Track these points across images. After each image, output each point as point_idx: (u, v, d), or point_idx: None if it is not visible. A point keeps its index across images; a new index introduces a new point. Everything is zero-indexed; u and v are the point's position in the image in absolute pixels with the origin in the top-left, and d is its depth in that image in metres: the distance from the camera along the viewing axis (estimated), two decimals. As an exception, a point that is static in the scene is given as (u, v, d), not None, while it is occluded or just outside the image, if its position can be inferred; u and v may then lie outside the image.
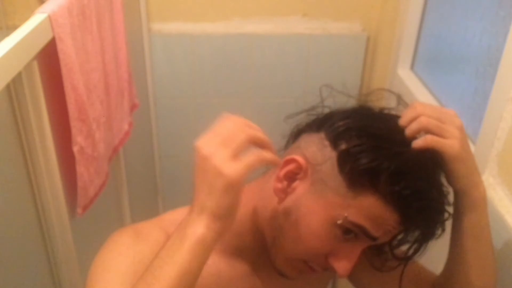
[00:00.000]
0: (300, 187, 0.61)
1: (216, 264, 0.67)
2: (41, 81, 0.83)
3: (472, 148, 0.98)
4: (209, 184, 0.52)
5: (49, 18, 0.81)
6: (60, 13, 0.84)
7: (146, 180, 1.80)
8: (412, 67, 1.49)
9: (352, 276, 0.79)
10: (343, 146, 0.58)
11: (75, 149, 0.95)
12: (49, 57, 0.84)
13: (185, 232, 0.52)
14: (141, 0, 1.50)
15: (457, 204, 0.64)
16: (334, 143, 0.59)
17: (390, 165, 0.55)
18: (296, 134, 0.68)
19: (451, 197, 0.65)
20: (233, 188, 0.51)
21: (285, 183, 0.62)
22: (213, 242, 0.52)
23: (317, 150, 0.61)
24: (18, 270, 0.88)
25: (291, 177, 0.62)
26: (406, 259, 0.64)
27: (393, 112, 0.67)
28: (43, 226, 0.93)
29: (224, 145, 0.53)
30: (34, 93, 0.82)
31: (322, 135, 0.61)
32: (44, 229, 0.94)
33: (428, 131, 0.58)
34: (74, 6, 0.90)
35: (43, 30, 0.80)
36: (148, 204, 1.84)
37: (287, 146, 0.68)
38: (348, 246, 0.60)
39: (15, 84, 0.80)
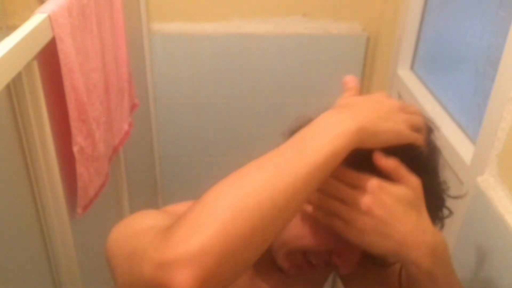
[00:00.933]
0: None
1: None
2: (41, 81, 0.83)
3: (472, 148, 0.98)
4: (389, 117, 0.54)
5: (49, 18, 0.81)
6: (60, 13, 0.84)
7: (146, 180, 1.80)
8: (412, 67, 1.49)
9: (345, 281, 0.79)
10: None
11: (75, 149, 0.95)
12: (49, 57, 0.84)
13: (344, 120, 0.51)
14: (141, 0, 1.50)
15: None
16: None
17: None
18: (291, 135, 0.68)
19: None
20: (395, 136, 0.54)
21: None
22: (347, 148, 0.50)
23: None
24: (18, 270, 0.88)
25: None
26: None
27: None
28: (43, 226, 0.93)
29: (397, 104, 0.57)
30: (34, 93, 0.82)
31: None
32: (44, 229, 0.93)
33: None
34: (74, 6, 0.90)
35: (43, 30, 0.80)
36: (148, 204, 1.84)
37: None
38: (352, 244, 0.59)
39: (15, 84, 0.80)
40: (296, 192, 0.46)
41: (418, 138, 0.56)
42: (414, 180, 0.54)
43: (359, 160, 0.53)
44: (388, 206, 0.52)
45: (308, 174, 0.47)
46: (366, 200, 0.52)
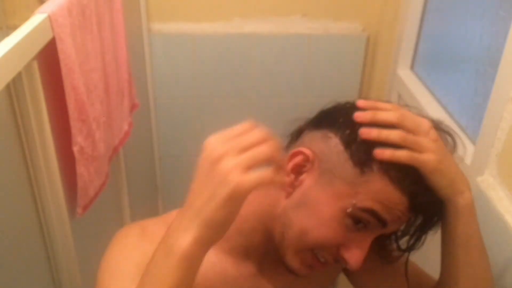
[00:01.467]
0: (308, 180, 0.61)
1: (223, 263, 0.67)
2: (41, 81, 0.83)
3: (472, 148, 0.98)
4: (211, 190, 0.48)
5: (49, 18, 0.81)
6: (60, 13, 0.84)
7: (146, 180, 1.80)
8: (412, 67, 1.49)
9: (353, 276, 0.79)
10: (347, 131, 0.59)
11: (75, 149, 0.95)
12: (49, 57, 0.84)
13: (172, 244, 0.49)
14: (141, 0, 1.50)
15: (443, 213, 0.64)
16: (338, 131, 0.60)
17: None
18: (298, 133, 0.68)
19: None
20: (236, 200, 0.48)
21: (292, 176, 0.62)
22: (201, 254, 0.49)
23: (322, 142, 0.61)
24: (18, 270, 0.88)
25: (298, 170, 0.62)
26: (409, 249, 0.66)
27: None
28: (43, 226, 0.93)
29: (239, 152, 0.48)
30: (34, 93, 0.82)
31: (324, 129, 0.62)
32: (44, 229, 0.93)
33: (404, 146, 0.57)
34: (74, 6, 0.90)
35: (43, 30, 0.80)
36: (148, 204, 1.84)
37: (288, 146, 0.68)
38: (358, 236, 0.60)
39: (15, 84, 0.80)
40: None
41: (252, 181, 0.47)
42: (427, 144, 0.59)
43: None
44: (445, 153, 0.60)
45: None
46: (433, 132, 0.59)
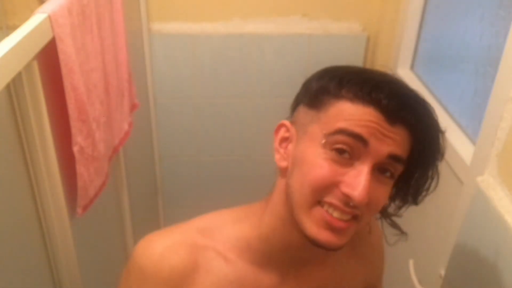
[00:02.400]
0: (292, 145, 0.66)
1: (238, 271, 0.67)
2: (41, 81, 0.83)
3: (472, 148, 0.98)
4: None
5: (49, 18, 0.81)
6: (60, 13, 0.84)
7: (146, 180, 1.80)
8: (412, 67, 1.49)
9: None
10: (304, 91, 0.67)
11: (75, 149, 0.94)
12: (49, 57, 0.84)
13: None
14: (141, 0, 1.50)
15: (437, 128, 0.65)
16: (299, 99, 0.67)
17: (347, 75, 0.62)
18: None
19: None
20: None
21: (281, 150, 0.66)
22: None
23: (296, 112, 0.68)
24: (18, 270, 0.88)
25: (285, 143, 0.67)
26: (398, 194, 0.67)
27: None
28: (43, 226, 0.93)
29: None
30: (34, 93, 0.82)
31: (302, 104, 0.67)
32: (44, 229, 0.93)
33: None
34: (74, 6, 0.90)
35: (43, 30, 0.80)
36: (148, 204, 1.84)
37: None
38: (353, 170, 0.59)
39: (15, 84, 0.80)
40: None
41: None
42: None
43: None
44: None
45: None
46: None
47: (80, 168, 0.97)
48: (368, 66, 1.65)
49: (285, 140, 0.67)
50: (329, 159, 0.59)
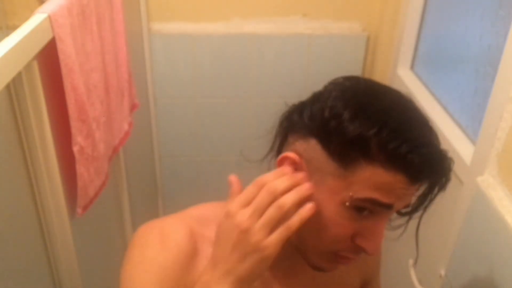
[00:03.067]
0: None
1: None
2: (41, 81, 0.83)
3: (472, 148, 0.98)
4: (243, 253, 0.55)
5: (49, 18, 0.81)
6: (60, 13, 0.84)
7: (146, 180, 1.80)
8: (412, 67, 1.49)
9: None
10: (319, 126, 0.58)
11: (75, 149, 0.94)
12: (49, 57, 0.84)
13: None
14: (141, 0, 1.50)
15: (450, 169, 0.62)
16: (310, 129, 0.59)
17: (377, 130, 0.53)
18: (284, 134, 0.67)
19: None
20: (268, 260, 0.55)
21: None
22: None
23: (304, 142, 0.60)
24: (18, 270, 0.88)
25: None
26: (415, 209, 0.63)
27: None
28: (43, 226, 0.93)
29: (258, 216, 0.55)
30: (34, 93, 0.82)
31: (301, 128, 0.61)
32: (44, 229, 0.93)
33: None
34: (74, 6, 0.90)
35: (43, 30, 0.80)
36: (148, 204, 1.84)
37: (279, 148, 0.67)
38: (369, 223, 0.59)
39: (15, 84, 0.80)
40: None
41: (278, 240, 0.55)
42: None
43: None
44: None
45: None
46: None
47: (80, 168, 0.97)
48: (368, 66, 1.65)
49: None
50: (350, 217, 0.58)
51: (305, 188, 0.57)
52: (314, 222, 0.59)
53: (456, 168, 1.04)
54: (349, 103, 0.56)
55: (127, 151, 1.40)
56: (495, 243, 0.79)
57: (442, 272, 0.98)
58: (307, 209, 0.56)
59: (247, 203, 0.56)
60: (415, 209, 0.62)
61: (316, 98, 0.62)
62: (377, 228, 0.59)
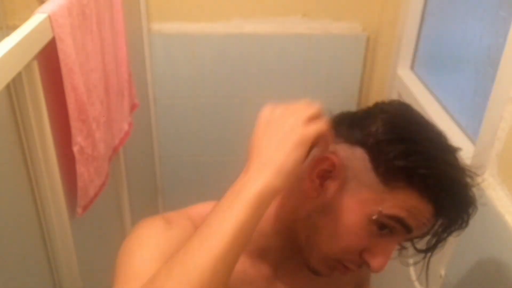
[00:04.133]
0: (333, 186, 0.61)
1: (242, 262, 0.66)
2: (41, 81, 0.83)
3: (472, 148, 0.98)
4: (279, 140, 0.54)
5: (49, 18, 0.81)
6: (60, 13, 0.84)
7: (146, 180, 1.80)
8: (412, 67, 1.49)
9: None
10: (372, 142, 0.59)
11: (75, 149, 0.95)
12: (49, 57, 0.84)
13: (240, 190, 0.52)
14: (141, 0, 1.50)
15: (469, 216, 0.63)
16: (363, 140, 0.60)
17: (425, 169, 0.56)
18: None
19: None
20: (305, 144, 0.54)
21: (317, 181, 0.61)
22: (271, 198, 0.52)
23: (347, 149, 0.61)
24: (18, 270, 0.88)
25: (323, 176, 0.62)
26: (430, 249, 0.65)
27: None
28: (43, 226, 0.93)
29: (300, 111, 0.57)
30: (34, 93, 0.82)
31: (349, 135, 0.62)
32: (44, 229, 0.93)
33: None
34: (74, 6, 0.90)
35: (43, 30, 0.80)
36: (148, 204, 1.84)
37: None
38: (383, 242, 0.60)
39: (15, 84, 0.80)
40: (206, 284, 0.48)
41: (317, 128, 0.56)
42: None
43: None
44: None
45: (212, 266, 0.48)
46: None
47: (80, 168, 0.97)
48: (368, 66, 1.65)
49: (325, 173, 0.61)
50: (369, 231, 0.59)
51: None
52: (330, 228, 0.61)
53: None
54: (402, 135, 0.59)
55: (127, 151, 1.40)
56: (495, 243, 0.79)
57: (442, 272, 0.98)
58: None
59: None
60: (432, 246, 0.64)
61: (368, 114, 0.63)
62: (388, 248, 0.60)
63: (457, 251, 0.93)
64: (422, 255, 0.67)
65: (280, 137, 0.55)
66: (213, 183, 1.92)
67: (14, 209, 0.86)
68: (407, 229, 0.59)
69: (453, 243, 0.94)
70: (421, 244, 0.66)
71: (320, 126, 0.55)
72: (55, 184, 0.91)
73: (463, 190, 0.59)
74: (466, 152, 1.00)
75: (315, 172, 0.61)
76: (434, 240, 0.64)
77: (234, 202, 0.51)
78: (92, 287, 1.14)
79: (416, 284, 1.11)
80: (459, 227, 0.62)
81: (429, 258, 0.67)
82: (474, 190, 0.62)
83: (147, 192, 1.82)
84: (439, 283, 0.99)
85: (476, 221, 0.86)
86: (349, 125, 0.63)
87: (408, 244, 0.67)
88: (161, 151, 1.79)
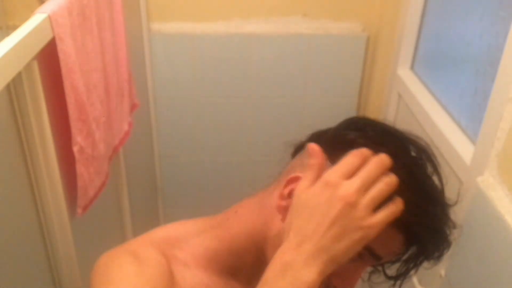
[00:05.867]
0: None
1: (215, 283, 0.64)
2: (41, 81, 0.83)
3: (472, 148, 0.98)
4: (343, 231, 0.50)
5: (49, 18, 0.81)
6: (60, 13, 0.84)
7: (146, 180, 1.80)
8: (412, 67, 1.49)
9: None
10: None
11: (75, 149, 0.95)
12: (49, 57, 0.84)
13: (295, 278, 0.49)
14: (141, 0, 1.50)
15: (443, 245, 0.62)
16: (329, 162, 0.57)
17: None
18: (297, 149, 0.66)
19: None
20: (367, 241, 0.50)
21: (289, 201, 0.59)
22: (320, 284, 0.50)
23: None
24: (18, 270, 0.88)
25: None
26: (399, 276, 0.64)
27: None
28: (43, 226, 0.93)
29: (366, 190, 0.51)
30: (34, 93, 0.82)
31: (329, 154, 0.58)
32: (44, 229, 0.93)
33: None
34: (74, 6, 0.90)
35: (43, 30, 0.80)
36: (148, 204, 1.84)
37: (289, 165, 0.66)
38: (352, 266, 0.59)
39: (15, 84, 0.80)
40: None
41: (387, 218, 0.51)
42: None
43: (345, 151, 0.54)
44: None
45: None
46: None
47: (80, 168, 0.97)
48: (368, 66, 1.65)
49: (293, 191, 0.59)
50: None
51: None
52: None
53: (456, 168, 1.04)
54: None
55: (127, 151, 1.40)
56: (495, 243, 0.79)
57: (442, 272, 0.98)
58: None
59: (350, 175, 0.51)
60: (401, 274, 0.63)
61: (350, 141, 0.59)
62: (357, 273, 0.60)
63: (457, 251, 0.93)
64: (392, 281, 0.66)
65: (345, 229, 0.49)
66: (213, 183, 1.92)
67: (14, 209, 0.86)
68: (377, 257, 0.58)
69: (453, 243, 0.94)
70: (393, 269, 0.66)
71: (384, 218, 0.50)
72: (55, 184, 0.91)
73: (438, 226, 0.58)
74: (466, 152, 1.01)
75: (287, 191, 0.60)
76: (404, 268, 0.63)
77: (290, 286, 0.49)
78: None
79: (416, 284, 1.11)
80: (432, 257, 0.61)
81: (401, 283, 0.66)
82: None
83: (147, 192, 1.82)
84: (439, 283, 0.99)
85: (476, 221, 0.86)
86: (331, 146, 0.59)
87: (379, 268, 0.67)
88: (161, 151, 1.79)
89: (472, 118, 1.09)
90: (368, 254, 0.58)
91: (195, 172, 1.84)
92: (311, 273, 0.49)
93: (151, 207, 1.85)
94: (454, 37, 1.23)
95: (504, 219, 0.76)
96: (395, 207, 0.52)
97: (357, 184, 0.50)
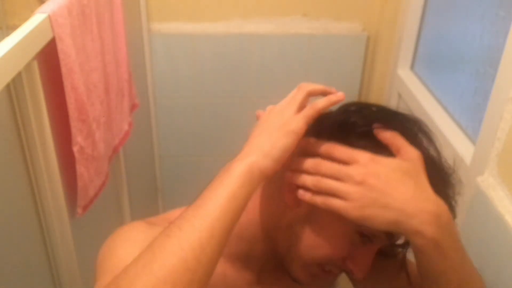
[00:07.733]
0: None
1: (223, 267, 0.66)
2: (41, 81, 0.83)
3: (472, 148, 0.98)
4: (270, 132, 0.58)
5: (49, 18, 0.81)
6: (60, 13, 0.84)
7: (146, 180, 1.80)
8: (412, 67, 1.49)
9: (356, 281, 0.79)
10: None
11: (75, 149, 0.95)
12: (49, 57, 0.84)
13: (232, 165, 0.56)
14: (141, 0, 1.50)
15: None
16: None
17: None
18: None
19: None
20: (292, 134, 0.56)
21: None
22: (259, 178, 0.55)
23: None
24: (18, 270, 0.88)
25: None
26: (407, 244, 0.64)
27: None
28: (43, 226, 0.93)
29: (289, 104, 0.60)
30: (34, 93, 0.82)
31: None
32: (44, 229, 0.94)
33: (319, 191, 0.56)
34: (74, 6, 0.90)
35: (43, 30, 0.80)
36: (148, 204, 1.84)
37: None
38: (365, 249, 0.61)
39: (15, 84, 0.80)
40: (204, 247, 0.49)
41: (304, 115, 0.58)
42: (411, 151, 0.56)
43: (349, 134, 0.58)
44: (383, 175, 0.53)
45: (209, 228, 0.50)
46: (359, 171, 0.54)
47: (80, 168, 0.97)
48: (368, 66, 1.65)
49: None
50: (350, 241, 0.59)
51: (339, 94, 0.63)
52: (312, 239, 0.60)
53: (456, 168, 1.04)
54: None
55: (127, 151, 1.40)
56: (495, 243, 0.79)
57: (442, 272, 0.98)
58: (338, 94, 0.63)
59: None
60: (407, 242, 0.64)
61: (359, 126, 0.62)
62: (370, 255, 0.61)
63: (457, 251, 0.92)
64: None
65: (271, 130, 0.58)
66: (213, 183, 1.92)
67: (14, 209, 0.86)
68: (389, 236, 0.59)
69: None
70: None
71: (304, 114, 0.58)
72: (55, 184, 0.91)
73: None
74: (466, 152, 1.01)
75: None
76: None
77: (225, 177, 0.55)
78: (92, 287, 1.13)
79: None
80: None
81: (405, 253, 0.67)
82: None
83: (147, 192, 1.82)
84: (439, 283, 0.99)
85: (476, 221, 0.86)
86: (335, 135, 0.61)
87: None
88: (161, 151, 1.79)
89: (472, 118, 1.09)
90: (382, 234, 0.59)
91: (195, 172, 1.84)
92: (245, 161, 0.56)
93: (151, 207, 1.85)
94: (454, 37, 1.23)
95: (504, 219, 0.76)
96: (314, 104, 0.60)
97: (286, 100, 0.63)
